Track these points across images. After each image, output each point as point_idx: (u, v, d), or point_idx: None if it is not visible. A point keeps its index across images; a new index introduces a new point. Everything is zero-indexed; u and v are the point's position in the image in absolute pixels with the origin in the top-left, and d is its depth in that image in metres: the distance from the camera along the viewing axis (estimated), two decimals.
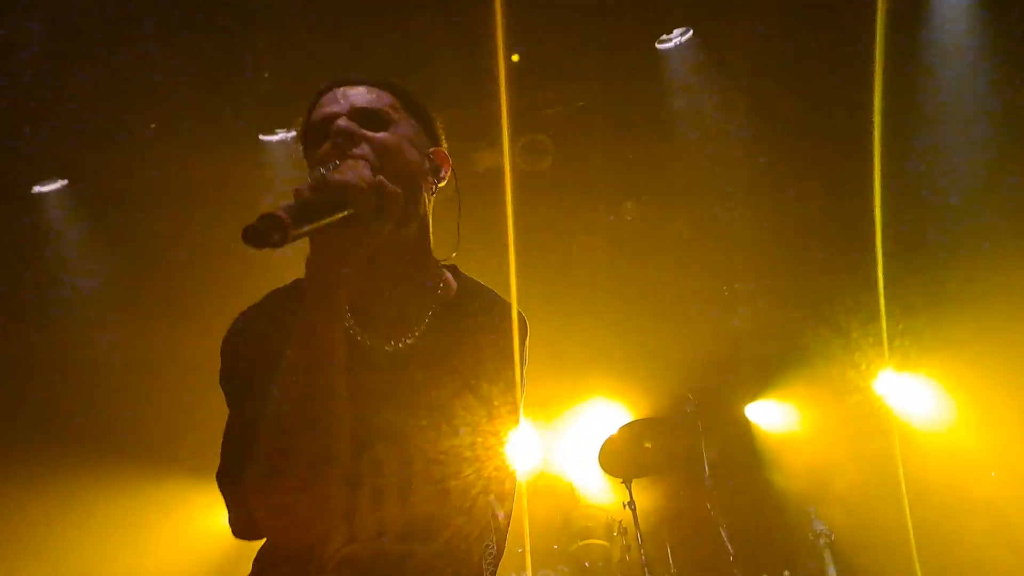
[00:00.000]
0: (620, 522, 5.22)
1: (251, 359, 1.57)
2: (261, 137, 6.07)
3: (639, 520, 4.98)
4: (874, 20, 4.97)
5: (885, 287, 5.80)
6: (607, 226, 6.52)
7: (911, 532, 5.21)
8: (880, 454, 5.71)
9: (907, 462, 5.56)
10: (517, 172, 6.26)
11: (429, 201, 1.66)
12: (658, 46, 5.54)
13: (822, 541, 4.89)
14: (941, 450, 5.68)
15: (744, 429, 6.47)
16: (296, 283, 1.67)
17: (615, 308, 6.62)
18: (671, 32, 5.43)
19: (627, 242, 6.57)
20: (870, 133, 5.31)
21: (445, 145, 1.71)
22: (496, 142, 6.21)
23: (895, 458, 5.53)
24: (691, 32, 5.42)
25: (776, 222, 6.34)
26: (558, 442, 6.60)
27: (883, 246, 5.68)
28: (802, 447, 6.17)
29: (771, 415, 6.50)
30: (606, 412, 6.59)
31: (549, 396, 6.63)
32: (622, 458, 5.32)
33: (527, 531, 5.37)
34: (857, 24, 5.13)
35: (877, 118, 5.31)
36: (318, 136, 1.58)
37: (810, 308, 6.42)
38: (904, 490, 5.29)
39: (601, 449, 5.36)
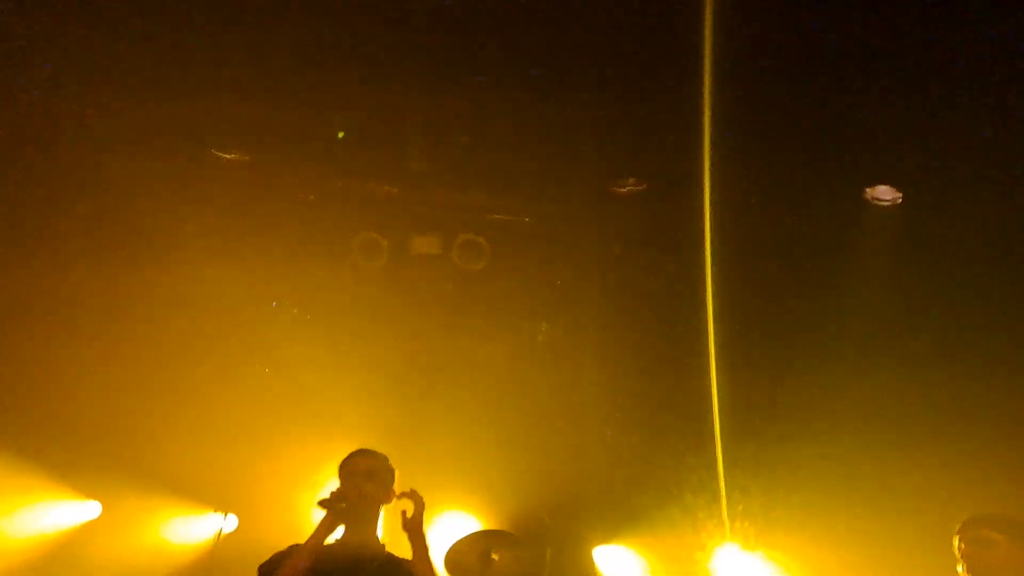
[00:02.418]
0: None
1: None
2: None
3: None
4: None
5: (724, 470, 6.24)
6: (519, 342, 6.74)
7: None
8: None
9: None
10: (452, 268, 6.47)
11: (381, 509, 3.71)
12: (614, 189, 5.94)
13: None
14: None
15: (587, 569, 6.57)
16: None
17: (502, 422, 6.77)
18: (627, 179, 5.85)
19: (535, 362, 6.80)
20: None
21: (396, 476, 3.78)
22: (438, 232, 6.46)
23: None
24: (644, 186, 5.86)
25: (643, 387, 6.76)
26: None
27: (722, 432, 6.16)
28: None
29: (615, 562, 6.64)
30: (463, 520, 6.62)
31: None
32: (468, 563, 5.31)
33: None
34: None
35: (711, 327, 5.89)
36: (346, 476, 3.67)
37: (662, 484, 6.76)
38: None
39: (449, 549, 5.36)
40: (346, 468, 3.72)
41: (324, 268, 6.35)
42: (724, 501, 6.38)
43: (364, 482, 3.60)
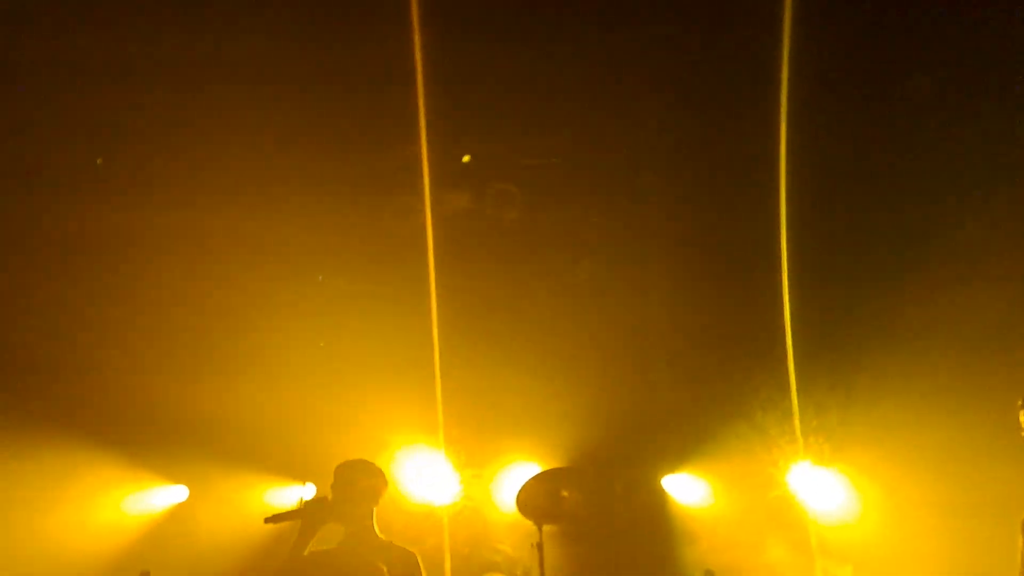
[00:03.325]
0: (524, 561, 5.31)
1: None
2: None
3: (544, 563, 5.07)
4: None
5: (798, 387, 6.15)
6: (563, 283, 6.75)
7: None
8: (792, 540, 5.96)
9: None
10: (483, 219, 6.51)
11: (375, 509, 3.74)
12: None
13: None
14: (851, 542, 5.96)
15: (659, 497, 6.63)
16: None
17: (556, 363, 6.84)
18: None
19: (578, 302, 6.81)
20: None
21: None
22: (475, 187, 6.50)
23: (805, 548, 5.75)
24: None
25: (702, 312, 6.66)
26: (479, 481, 6.71)
27: (795, 347, 6.04)
28: (710, 521, 6.38)
29: (686, 489, 6.69)
30: (529, 461, 6.75)
31: (477, 440, 6.78)
32: (538, 502, 5.40)
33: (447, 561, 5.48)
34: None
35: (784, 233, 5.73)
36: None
37: (730, 404, 6.70)
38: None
39: (519, 490, 5.46)
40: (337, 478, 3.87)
41: (361, 236, 6.44)
42: (797, 418, 6.28)
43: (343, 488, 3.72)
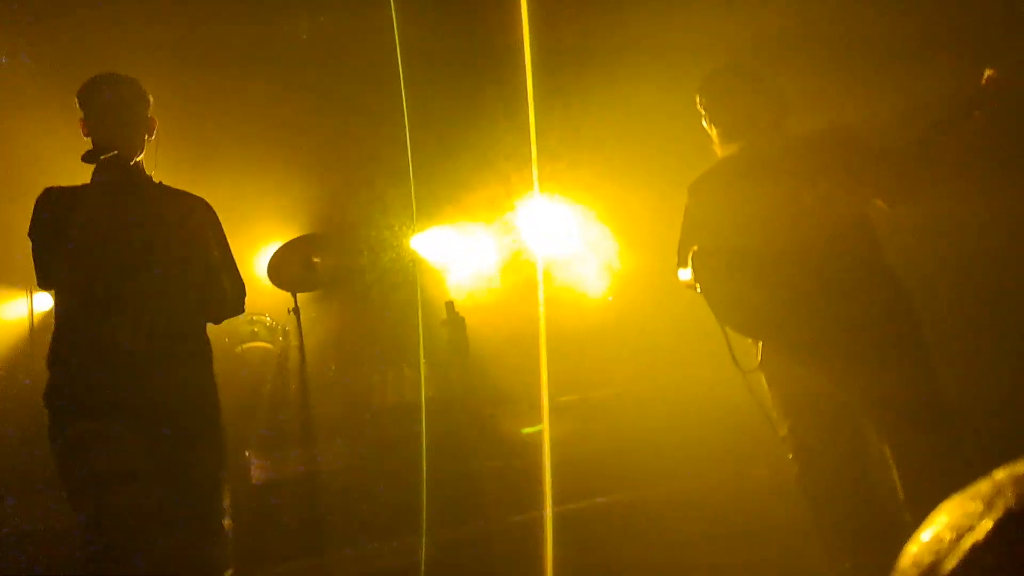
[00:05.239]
0: (284, 327, 5.46)
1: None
2: None
3: (303, 327, 5.25)
4: None
5: (535, 132, 6.38)
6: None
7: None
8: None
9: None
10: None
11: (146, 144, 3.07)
12: None
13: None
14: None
15: (409, 258, 6.94)
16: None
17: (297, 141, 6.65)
18: None
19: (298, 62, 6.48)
20: None
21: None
22: None
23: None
24: None
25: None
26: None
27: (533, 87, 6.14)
28: (453, 267, 6.86)
29: (433, 244, 7.03)
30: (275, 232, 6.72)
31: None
32: (290, 270, 5.44)
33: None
34: None
35: None
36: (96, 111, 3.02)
37: (475, 152, 6.77)
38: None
39: (270, 261, 5.45)
40: (92, 100, 2.95)
41: None
42: (534, 161, 6.32)
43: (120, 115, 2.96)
